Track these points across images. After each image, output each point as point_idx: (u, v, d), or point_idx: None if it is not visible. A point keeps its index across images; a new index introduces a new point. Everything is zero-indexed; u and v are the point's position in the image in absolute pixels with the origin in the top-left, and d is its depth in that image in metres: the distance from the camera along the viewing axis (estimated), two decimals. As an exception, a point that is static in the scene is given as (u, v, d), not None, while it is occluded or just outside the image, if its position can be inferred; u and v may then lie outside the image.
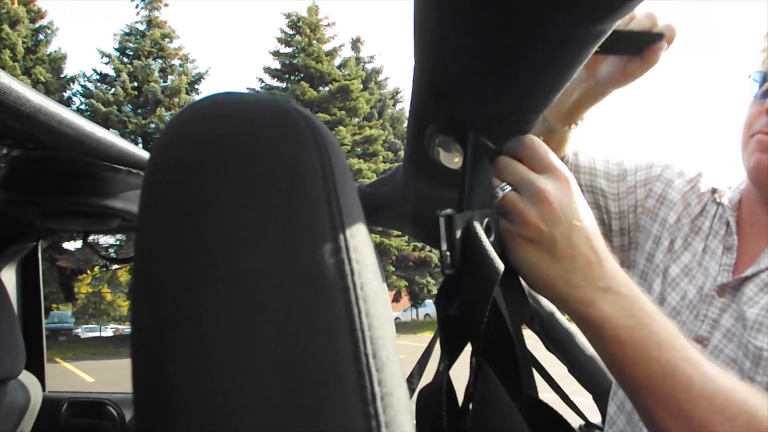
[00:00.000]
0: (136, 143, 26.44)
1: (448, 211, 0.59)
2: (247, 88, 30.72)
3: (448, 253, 0.58)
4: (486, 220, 0.63)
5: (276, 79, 31.41)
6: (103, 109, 25.93)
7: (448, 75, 0.58)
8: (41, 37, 26.73)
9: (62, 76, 27.29)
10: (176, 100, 27.38)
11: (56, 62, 27.07)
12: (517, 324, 0.60)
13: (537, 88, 0.58)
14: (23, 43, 25.35)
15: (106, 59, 28.13)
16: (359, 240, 0.38)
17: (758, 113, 1.05)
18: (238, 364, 0.32)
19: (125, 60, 28.06)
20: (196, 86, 29.30)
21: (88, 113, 26.60)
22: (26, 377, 1.90)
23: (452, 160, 0.79)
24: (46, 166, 1.44)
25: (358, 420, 0.33)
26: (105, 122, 25.85)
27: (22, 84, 0.99)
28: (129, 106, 27.11)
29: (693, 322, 1.11)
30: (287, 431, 0.32)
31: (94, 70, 29.94)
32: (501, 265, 0.55)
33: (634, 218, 1.24)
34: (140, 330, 0.36)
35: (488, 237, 0.60)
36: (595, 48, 0.52)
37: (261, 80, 31.63)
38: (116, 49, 28.35)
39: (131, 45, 28.19)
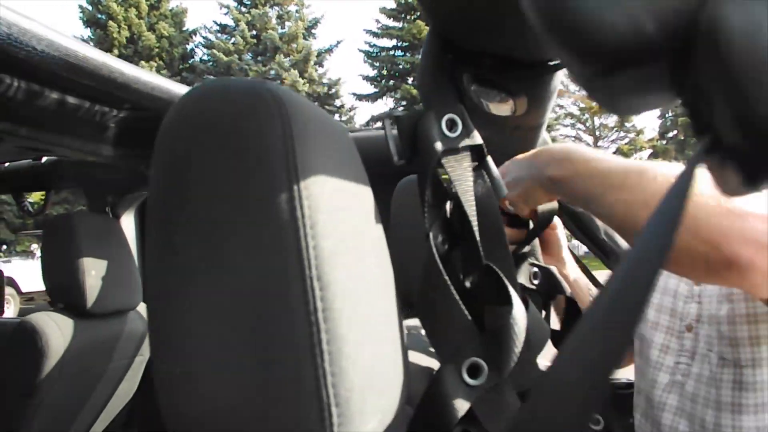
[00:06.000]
0: (257, 91, 27.10)
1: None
2: (364, 30, 30.63)
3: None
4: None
5: (392, 18, 31.18)
6: (225, 58, 26.60)
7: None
8: (163, -8, 27.67)
9: (184, 29, 28.11)
10: (294, 45, 27.71)
11: (178, 16, 27.91)
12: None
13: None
14: (146, 0, 26.34)
15: (224, 10, 28.70)
16: (313, 190, 0.48)
17: None
18: (208, 278, 0.47)
19: (243, 9, 28.51)
20: (312, 31, 29.49)
21: (211, 63, 27.38)
22: (144, 309, 2.15)
23: (499, 108, 0.89)
24: (151, 123, 1.64)
25: (302, 325, 0.45)
26: (227, 71, 26.53)
27: (117, 59, 1.18)
28: (249, 54, 27.69)
29: (683, 307, 1.23)
30: (241, 329, 0.46)
31: (214, 22, 30.81)
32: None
33: None
34: (148, 262, 0.52)
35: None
36: None
37: (377, 21, 31.49)
38: (234, 0, 28.93)
39: (248, -6, 28.70)
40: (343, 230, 0.51)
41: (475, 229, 0.71)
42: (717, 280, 0.89)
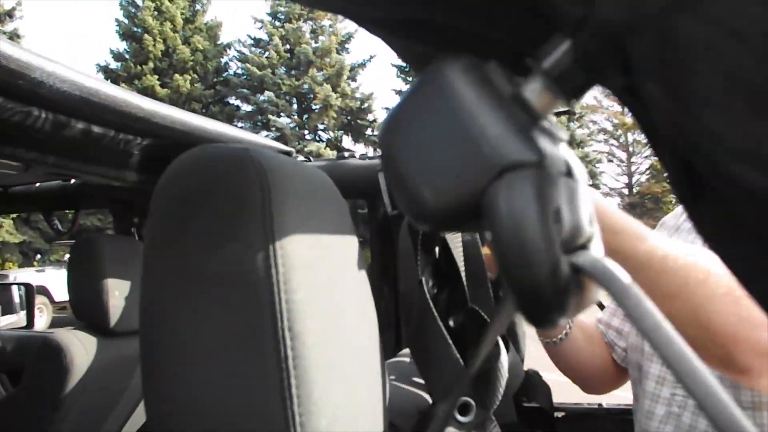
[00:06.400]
0: (291, 104, 27.18)
1: None
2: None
3: None
4: None
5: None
6: (258, 72, 26.85)
7: None
8: (198, 7, 27.84)
9: (218, 43, 28.37)
10: (327, 60, 27.87)
11: (212, 30, 28.15)
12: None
13: None
14: (181, 14, 26.58)
15: (259, 24, 28.97)
16: (288, 249, 0.53)
17: None
18: (192, 327, 0.53)
19: (277, 24, 28.67)
20: (345, 46, 29.60)
21: (245, 77, 27.68)
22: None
23: None
24: (173, 151, 1.71)
25: (274, 371, 0.50)
26: (260, 85, 26.82)
27: (136, 95, 1.25)
28: (282, 68, 27.93)
29: None
30: (221, 372, 0.51)
31: (249, 36, 31.08)
32: None
33: None
34: (143, 302, 0.58)
35: None
36: None
37: (409, 36, 31.52)
38: (268, 14, 29.05)
39: (282, 9, 28.82)
40: (318, 282, 0.56)
41: (462, 273, 0.76)
42: (728, 376, 0.92)
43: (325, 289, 0.57)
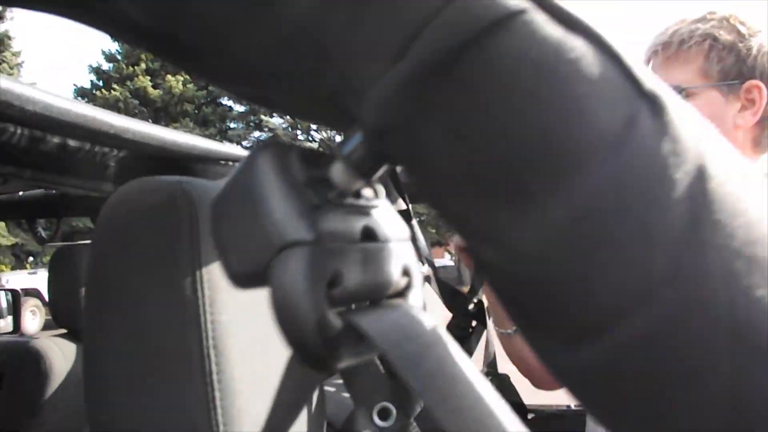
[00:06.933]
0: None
1: None
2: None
3: None
4: None
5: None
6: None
7: None
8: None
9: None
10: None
11: (206, 30, 28.22)
12: None
13: None
14: None
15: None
16: (214, 274, 0.58)
17: None
18: (129, 343, 0.58)
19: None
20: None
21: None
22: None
23: None
24: (149, 164, 1.76)
25: (199, 385, 0.55)
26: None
27: (108, 113, 1.30)
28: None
29: None
30: (151, 385, 0.57)
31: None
32: None
33: None
34: (86, 314, 0.63)
35: None
36: None
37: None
38: None
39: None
40: (244, 303, 0.61)
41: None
42: None
43: (251, 308, 0.62)
